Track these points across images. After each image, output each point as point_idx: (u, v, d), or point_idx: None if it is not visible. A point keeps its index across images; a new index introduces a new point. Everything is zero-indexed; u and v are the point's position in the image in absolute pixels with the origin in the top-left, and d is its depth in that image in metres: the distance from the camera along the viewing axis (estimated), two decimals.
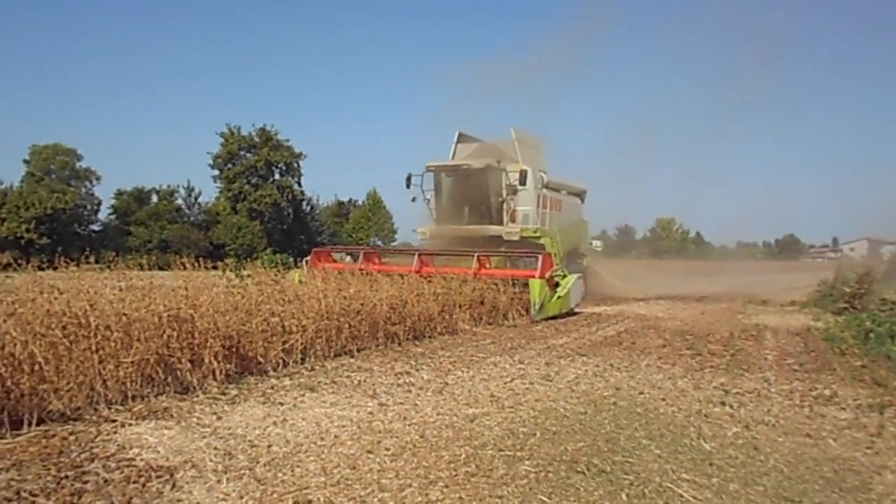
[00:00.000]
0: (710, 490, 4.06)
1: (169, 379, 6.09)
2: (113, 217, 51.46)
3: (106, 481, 3.88)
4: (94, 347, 5.52)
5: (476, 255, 13.90)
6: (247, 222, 51.98)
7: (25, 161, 48.33)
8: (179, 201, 54.98)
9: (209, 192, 65.13)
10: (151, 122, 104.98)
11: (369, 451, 4.57)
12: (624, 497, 3.90)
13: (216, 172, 54.59)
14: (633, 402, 6.26)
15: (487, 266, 14.20)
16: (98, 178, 50.52)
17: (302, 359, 7.70)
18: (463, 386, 6.86)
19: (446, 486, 3.95)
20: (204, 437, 4.76)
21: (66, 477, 3.90)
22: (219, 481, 3.94)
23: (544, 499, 3.83)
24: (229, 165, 53.94)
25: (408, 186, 18.54)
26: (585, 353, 9.24)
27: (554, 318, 13.48)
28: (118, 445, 4.53)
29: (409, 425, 5.28)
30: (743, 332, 11.94)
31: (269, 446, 4.64)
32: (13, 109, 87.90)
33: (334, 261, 15.70)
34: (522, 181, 16.87)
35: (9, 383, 4.84)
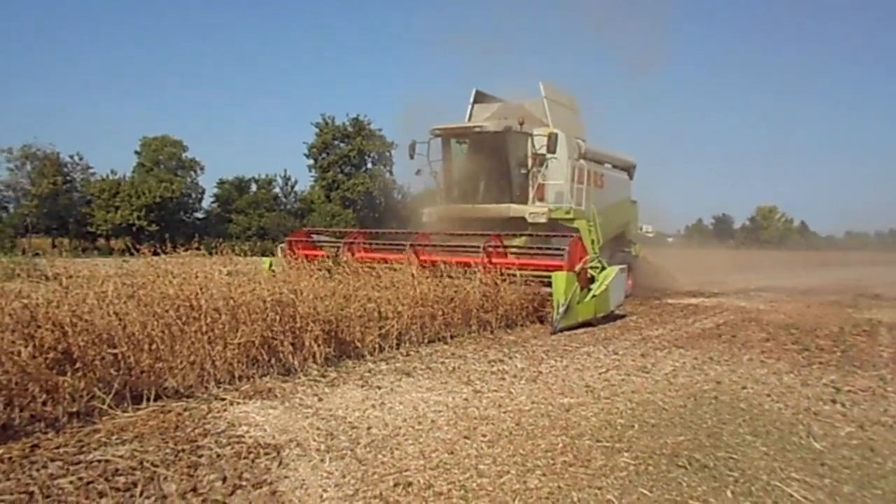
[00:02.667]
0: (822, 491, 3.87)
1: (272, 361, 6.34)
2: (215, 205, 53.81)
3: (218, 456, 4.08)
4: (204, 329, 5.81)
5: (484, 243, 10.57)
6: (340, 210, 53.22)
7: (137, 152, 51.15)
8: (277, 190, 56.88)
9: (304, 181, 67.18)
10: (252, 114, 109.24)
11: (466, 437, 4.61)
12: (729, 494, 3.77)
13: (311, 162, 56.15)
14: (736, 397, 6.04)
15: (501, 255, 10.98)
16: (202, 169, 52.89)
17: (397, 344, 7.84)
18: (556, 375, 6.81)
19: (544, 475, 3.94)
20: (307, 417, 4.93)
21: (183, 450, 4.14)
22: (322, 460, 4.08)
23: (645, 492, 3.76)
24: (324, 155, 55.34)
25: (411, 156, 15.05)
26: (682, 345, 8.98)
27: (585, 324, 10.31)
28: (228, 423, 4.76)
29: (504, 412, 5.29)
30: (854, 328, 11.27)
31: (369, 428, 4.76)
32: (127, 104, 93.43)
33: (315, 247, 12.81)
34: (552, 148, 13.45)
35: (130, 360, 5.17)
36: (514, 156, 14.09)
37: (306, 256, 11.37)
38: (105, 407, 4.86)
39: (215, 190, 54.08)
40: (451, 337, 8.79)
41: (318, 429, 4.67)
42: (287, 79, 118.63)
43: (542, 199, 14.14)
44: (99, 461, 3.91)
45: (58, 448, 4.13)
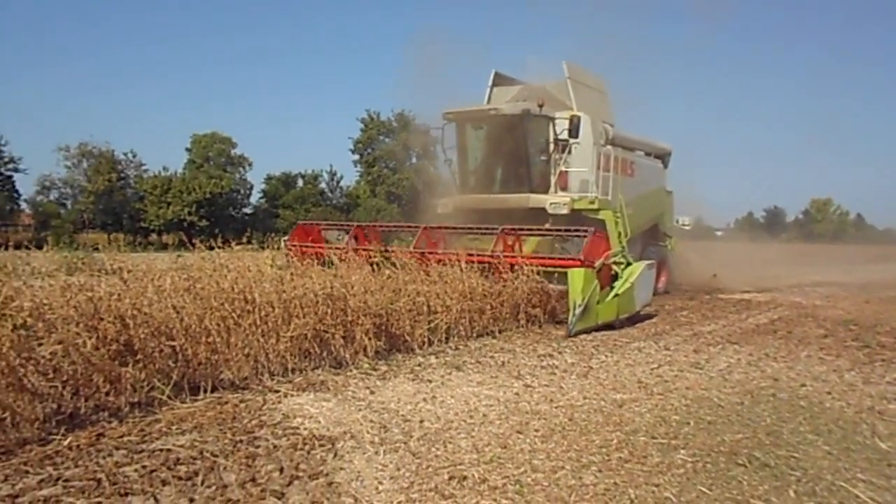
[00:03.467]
0: (889, 493, 3.74)
1: (324, 354, 6.42)
2: (263, 200, 54.64)
3: (275, 447, 4.15)
4: (258, 322, 5.90)
5: (498, 232, 10.00)
6: (385, 205, 53.49)
7: (187, 149, 52.24)
8: (323, 185, 57.44)
9: (350, 176, 67.68)
10: (299, 110, 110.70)
11: (519, 432, 4.59)
12: (792, 493, 3.68)
13: (356, 157, 56.56)
14: (795, 395, 5.88)
15: (515, 248, 10.19)
16: (250, 165, 53.73)
17: (446, 338, 7.85)
18: (608, 370, 6.74)
19: (599, 471, 3.89)
20: (360, 409, 4.97)
21: (241, 441, 4.21)
22: (376, 453, 4.11)
23: (704, 490, 3.69)
24: (369, 150, 55.70)
25: (425, 144, 14.90)
26: (737, 340, 8.78)
27: (607, 327, 9.38)
28: (283, 414, 4.83)
29: (556, 407, 5.26)
30: None
31: (421, 421, 4.77)
32: (179, 102, 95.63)
33: (326, 242, 11.67)
34: (574, 132, 12.28)
35: (188, 352, 5.29)
36: (534, 141, 13.01)
37: (314, 253, 10.44)
38: (164, 398, 4.99)
39: (263, 185, 54.85)
40: (500, 331, 8.77)
41: (371, 421, 4.70)
42: (333, 74, 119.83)
43: (564, 189, 13.06)
44: (161, 450, 4.01)
45: (121, 437, 4.26)
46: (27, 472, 3.65)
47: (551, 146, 12.99)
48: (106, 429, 4.40)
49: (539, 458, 4.08)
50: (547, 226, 11.76)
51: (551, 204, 12.42)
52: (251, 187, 54.27)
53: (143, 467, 3.72)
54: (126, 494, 3.37)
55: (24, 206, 46.67)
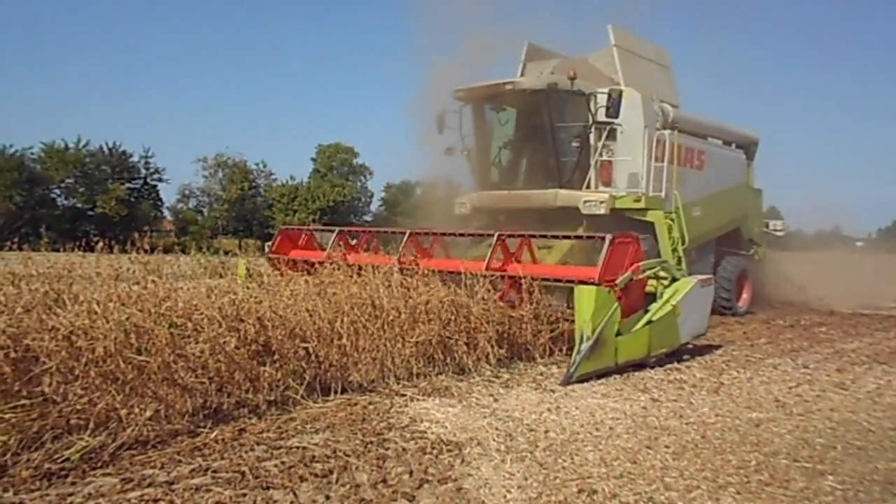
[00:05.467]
0: None
1: (447, 360, 6.50)
2: (383, 208, 56.13)
3: (404, 450, 4.24)
4: (385, 327, 6.07)
5: (495, 238, 7.77)
6: None
7: (313, 159, 54.56)
8: (440, 193, 58.33)
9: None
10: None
11: (648, 447, 4.45)
12: None
13: None
14: None
15: (528, 259, 8.06)
16: (371, 174, 55.37)
17: (569, 347, 7.73)
18: (740, 387, 6.42)
19: (738, 493, 3.70)
20: (484, 416, 4.99)
21: (371, 442, 4.33)
22: (503, 461, 4.11)
23: None
24: None
25: (440, 131, 11.69)
26: (885, 360, 8.13)
27: (634, 365, 6.98)
28: (410, 418, 4.93)
29: (686, 424, 5.06)
30: None
31: (546, 431, 4.73)
32: (306, 114, 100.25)
33: (315, 248, 9.75)
34: (613, 110, 9.83)
35: (320, 354, 5.51)
36: (564, 123, 10.55)
37: (303, 262, 8.77)
38: (298, 397, 5.21)
39: (383, 194, 56.41)
40: None
41: (496, 429, 4.71)
42: None
43: (607, 183, 10.66)
44: (297, 447, 4.19)
45: (261, 433, 4.49)
46: (179, 461, 3.91)
47: (592, 132, 10.53)
48: (247, 424, 4.65)
49: (672, 476, 3.94)
50: (581, 230, 9.76)
51: (585, 202, 10.14)
52: (371, 195, 55.87)
53: (282, 463, 3.90)
54: (267, 488, 3.54)
55: (166, 213, 50.34)
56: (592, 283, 6.54)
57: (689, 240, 10.80)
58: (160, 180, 47.57)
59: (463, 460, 4.10)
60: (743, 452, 4.41)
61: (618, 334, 6.67)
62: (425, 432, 4.59)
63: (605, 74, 11.22)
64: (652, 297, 7.52)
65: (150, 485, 3.53)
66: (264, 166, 51.79)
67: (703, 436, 4.75)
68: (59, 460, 3.73)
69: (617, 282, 6.71)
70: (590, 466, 4.07)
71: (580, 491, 3.67)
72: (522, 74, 11.96)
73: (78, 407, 4.10)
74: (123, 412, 4.20)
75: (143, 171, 46.40)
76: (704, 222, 11.96)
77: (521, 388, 6.01)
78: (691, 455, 4.32)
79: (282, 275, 7.49)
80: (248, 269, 8.33)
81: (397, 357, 6.10)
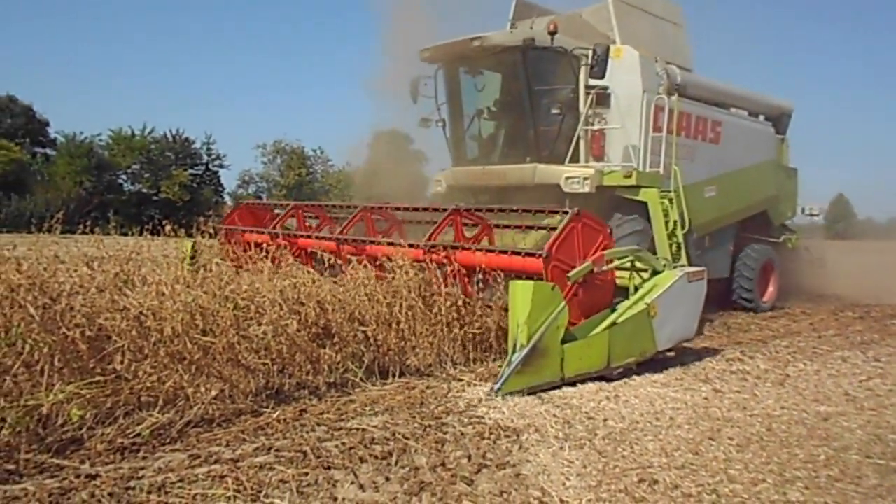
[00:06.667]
0: None
1: (503, 346, 6.46)
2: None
3: (462, 434, 4.25)
4: (442, 312, 6.07)
5: (446, 215, 6.93)
6: None
7: (369, 146, 55.16)
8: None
9: None
10: None
11: (711, 438, 4.36)
12: None
13: None
14: None
15: (478, 241, 7.08)
16: (427, 160, 55.69)
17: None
18: (807, 380, 6.22)
19: (807, 488, 3.59)
20: (542, 403, 4.96)
21: (430, 426, 4.36)
22: (561, 448, 4.08)
23: None
24: None
25: (414, 100, 10.27)
26: None
27: (586, 380, 5.65)
28: (467, 402, 4.94)
29: (750, 416, 4.93)
30: None
31: (605, 420, 4.68)
32: (362, 100, 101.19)
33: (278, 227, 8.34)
34: (598, 70, 8.46)
35: (379, 338, 5.57)
36: (543, 86, 9.08)
37: (256, 244, 7.93)
38: (357, 380, 5.29)
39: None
40: None
41: (554, 416, 4.68)
42: None
43: (599, 157, 9.20)
44: (357, 429, 4.25)
45: (321, 414, 4.57)
46: (244, 440, 4.02)
47: (574, 94, 9.05)
48: (308, 405, 4.75)
49: (736, 468, 3.85)
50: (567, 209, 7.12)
51: (567, 178, 8.69)
52: (426, 182, 56.12)
53: (343, 444, 3.96)
54: (329, 468, 3.60)
55: (226, 198, 51.60)
56: (537, 276, 5.62)
57: (700, 224, 9.67)
58: (221, 166, 48.74)
59: (521, 446, 4.09)
60: (811, 447, 4.28)
61: (567, 340, 5.52)
62: (483, 417, 4.59)
63: (599, 31, 9.71)
64: (615, 297, 6.41)
65: (216, 461, 3.63)
66: (321, 152, 52.51)
67: (769, 428, 4.63)
68: (131, 435, 3.88)
69: (569, 275, 5.76)
70: (650, 456, 4.01)
71: (641, 480, 3.62)
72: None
73: (148, 385, 4.25)
74: (190, 391, 4.33)
75: (205, 158, 47.61)
76: (721, 204, 10.51)
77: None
78: (756, 448, 4.22)
79: (236, 259, 6.86)
80: (194, 250, 7.45)
81: (454, 342, 6.11)
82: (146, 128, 44.77)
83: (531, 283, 5.30)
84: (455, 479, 3.55)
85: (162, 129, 45.65)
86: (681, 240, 8.73)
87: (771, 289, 11.67)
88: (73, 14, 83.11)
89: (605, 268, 6.05)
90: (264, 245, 7.49)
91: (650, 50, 9.57)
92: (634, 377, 5.95)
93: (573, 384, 5.52)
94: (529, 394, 5.11)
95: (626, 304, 6.18)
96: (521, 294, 5.22)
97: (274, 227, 8.27)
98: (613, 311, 6.13)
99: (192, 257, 7.12)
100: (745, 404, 5.26)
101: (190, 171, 45.63)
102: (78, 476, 3.35)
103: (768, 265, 11.51)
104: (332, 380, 5.24)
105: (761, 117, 12.30)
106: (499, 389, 5.06)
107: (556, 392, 5.32)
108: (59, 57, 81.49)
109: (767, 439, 4.39)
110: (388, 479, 3.52)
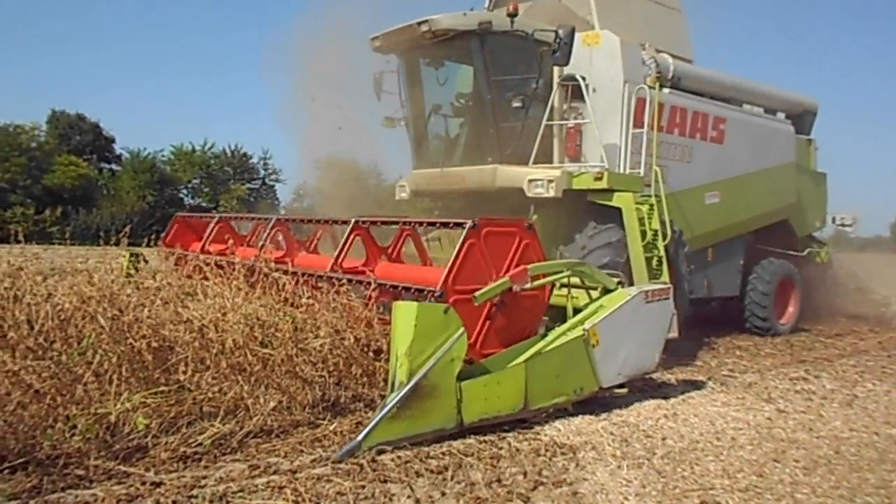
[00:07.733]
0: None
1: None
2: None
3: (517, 450, 4.22)
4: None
5: (350, 226, 6.11)
6: None
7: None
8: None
9: None
10: None
11: (775, 460, 4.23)
12: None
13: None
14: None
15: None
16: (380, 172, 55.85)
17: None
18: (877, 401, 5.99)
19: None
20: (600, 420, 4.89)
21: (485, 442, 4.34)
22: (619, 466, 4.01)
23: None
24: None
25: (378, 97, 9.02)
26: None
27: (516, 422, 4.73)
28: (523, 419, 4.89)
29: (817, 437, 4.77)
30: None
31: (664, 439, 4.58)
32: None
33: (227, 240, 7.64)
34: (560, 55, 7.27)
35: None
36: (502, 76, 7.87)
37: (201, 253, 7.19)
38: None
39: None
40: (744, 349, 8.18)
41: (611, 434, 4.61)
42: None
43: (575, 157, 8.03)
44: (413, 444, 4.25)
45: None
46: (301, 451, 4.07)
47: (538, 85, 7.82)
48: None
49: (802, 492, 3.72)
50: (534, 220, 6.67)
51: (530, 181, 7.48)
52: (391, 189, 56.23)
53: (399, 458, 3.97)
54: (385, 481, 3.62)
55: (282, 211, 52.77)
56: (432, 297, 4.65)
57: (699, 235, 8.63)
58: (277, 180, 49.79)
59: (577, 464, 4.04)
60: (883, 471, 4.11)
61: (465, 378, 4.45)
62: (539, 434, 4.55)
63: (578, 15, 8.51)
64: (562, 317, 5.31)
65: (275, 472, 3.69)
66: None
67: (837, 451, 4.47)
68: (193, 444, 3.97)
69: (476, 295, 4.70)
70: (711, 477, 3.91)
71: (703, 503, 3.54)
72: None
73: (209, 395, 4.36)
74: (250, 401, 4.42)
75: (262, 172, 48.78)
76: (726, 212, 9.19)
77: (636, 393, 5.84)
78: (824, 471, 4.07)
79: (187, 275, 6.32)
80: (136, 261, 7.01)
81: None
82: (206, 143, 46.21)
83: (414, 304, 4.37)
84: (511, 495, 3.53)
85: (221, 144, 47.03)
86: (662, 252, 7.37)
87: (791, 309, 10.34)
88: (139, 38, 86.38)
89: (528, 285, 4.95)
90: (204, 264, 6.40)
91: (637, 37, 8.41)
92: (693, 395, 5.83)
93: (628, 402, 5.40)
94: (423, 443, 4.19)
95: (558, 331, 5.10)
96: (403, 318, 4.27)
97: (205, 245, 7.55)
98: (543, 336, 5.13)
99: (135, 268, 6.82)
100: (811, 425, 5.10)
101: (247, 185, 46.79)
102: (143, 483, 3.45)
103: (787, 282, 10.21)
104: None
105: (780, 115, 10.89)
106: (359, 445, 3.94)
107: (613, 410, 5.24)
108: (126, 75, 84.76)
109: (836, 462, 4.24)
110: (443, 493, 3.52)
